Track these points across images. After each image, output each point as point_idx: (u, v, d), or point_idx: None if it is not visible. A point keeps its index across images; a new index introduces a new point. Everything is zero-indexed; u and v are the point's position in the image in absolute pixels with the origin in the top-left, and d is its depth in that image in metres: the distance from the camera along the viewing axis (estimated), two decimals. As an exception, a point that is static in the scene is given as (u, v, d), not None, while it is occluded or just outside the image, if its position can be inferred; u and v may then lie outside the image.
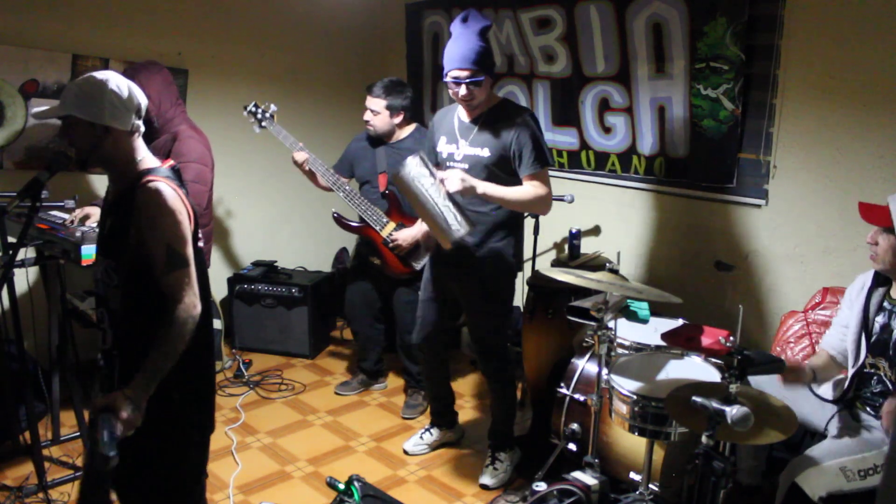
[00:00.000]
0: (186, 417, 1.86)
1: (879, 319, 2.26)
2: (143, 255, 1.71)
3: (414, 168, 2.46)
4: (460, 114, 2.79)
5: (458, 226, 2.49)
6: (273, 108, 3.42)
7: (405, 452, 3.20)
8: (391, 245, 3.36)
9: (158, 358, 1.65)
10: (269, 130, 3.39)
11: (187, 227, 1.75)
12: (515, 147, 2.65)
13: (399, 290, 3.53)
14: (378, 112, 3.38)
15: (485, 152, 2.69)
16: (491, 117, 2.71)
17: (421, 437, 3.24)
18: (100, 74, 1.78)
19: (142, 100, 1.82)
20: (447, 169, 2.74)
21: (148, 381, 1.65)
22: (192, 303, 1.71)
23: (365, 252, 3.59)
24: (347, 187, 3.40)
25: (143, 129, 1.84)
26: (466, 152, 2.72)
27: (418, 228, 3.32)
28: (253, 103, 3.40)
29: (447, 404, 3.27)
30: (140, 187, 1.72)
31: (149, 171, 1.78)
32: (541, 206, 2.73)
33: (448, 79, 2.64)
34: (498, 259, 2.80)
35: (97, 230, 1.86)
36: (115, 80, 1.78)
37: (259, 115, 3.40)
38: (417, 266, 3.38)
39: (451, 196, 2.49)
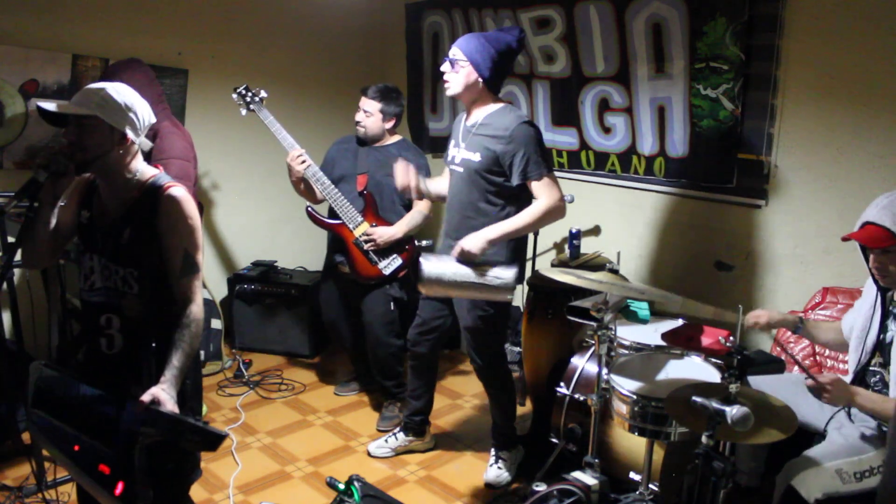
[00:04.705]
0: (190, 405, 1.94)
1: (886, 323, 2.26)
2: (163, 260, 1.82)
3: (432, 264, 2.54)
4: (466, 118, 2.79)
5: (504, 277, 2.54)
6: (263, 93, 3.34)
7: (368, 454, 3.18)
8: (362, 241, 3.32)
9: (183, 356, 1.78)
10: (256, 115, 3.30)
11: (201, 233, 1.88)
12: (512, 157, 2.61)
13: (370, 301, 3.41)
14: (372, 114, 3.38)
15: (476, 157, 2.67)
16: (487, 122, 2.70)
17: (385, 441, 3.20)
18: (125, 88, 1.84)
19: (152, 120, 1.90)
20: (451, 173, 2.83)
21: (178, 377, 1.76)
22: (201, 304, 1.86)
23: (334, 260, 3.52)
24: (326, 180, 3.32)
25: (148, 146, 1.87)
26: (463, 156, 2.72)
27: (396, 228, 3.32)
28: (244, 86, 3.31)
29: (421, 410, 3.18)
30: (161, 195, 1.81)
31: (158, 178, 1.86)
32: (554, 214, 2.66)
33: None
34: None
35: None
36: (138, 96, 1.86)
37: (248, 98, 3.31)
38: (386, 271, 3.35)
39: (475, 262, 2.55)
